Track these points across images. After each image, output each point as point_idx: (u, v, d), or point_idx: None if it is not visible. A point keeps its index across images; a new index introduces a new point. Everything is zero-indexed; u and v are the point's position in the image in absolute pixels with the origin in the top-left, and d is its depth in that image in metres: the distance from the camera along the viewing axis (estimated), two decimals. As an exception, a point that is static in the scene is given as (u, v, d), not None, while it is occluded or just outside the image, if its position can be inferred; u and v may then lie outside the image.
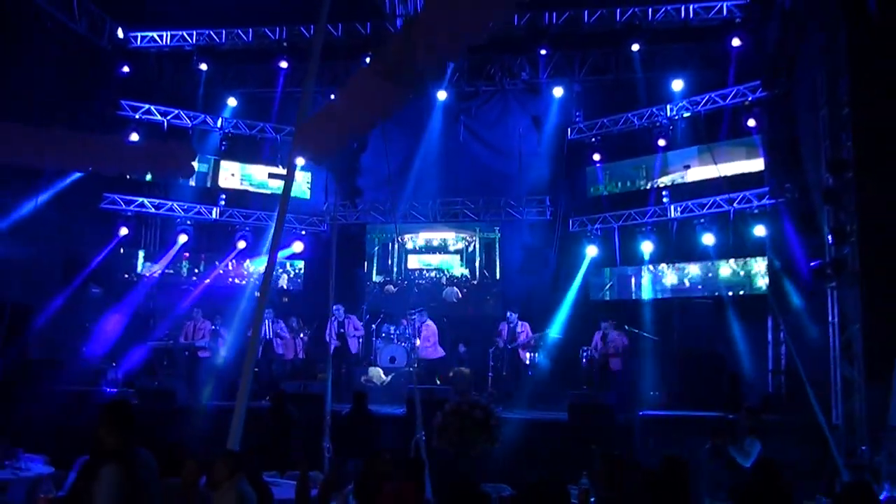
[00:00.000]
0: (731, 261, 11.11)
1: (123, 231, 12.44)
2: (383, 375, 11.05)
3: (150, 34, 12.60)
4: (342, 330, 11.07)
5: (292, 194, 6.82)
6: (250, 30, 12.47)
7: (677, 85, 11.80)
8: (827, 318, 7.89)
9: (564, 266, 12.62)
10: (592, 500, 5.18)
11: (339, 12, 10.80)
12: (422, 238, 13.83)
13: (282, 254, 12.67)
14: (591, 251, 12.34)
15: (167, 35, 12.61)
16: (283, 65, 12.49)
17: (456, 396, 7.98)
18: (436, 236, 13.79)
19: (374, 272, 13.80)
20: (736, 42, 10.86)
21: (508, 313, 11.08)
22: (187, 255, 13.18)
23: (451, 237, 13.73)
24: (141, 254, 12.99)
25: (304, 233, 13.48)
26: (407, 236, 13.79)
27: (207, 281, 12.88)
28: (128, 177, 12.27)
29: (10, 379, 9.44)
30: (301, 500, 4.57)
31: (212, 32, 12.50)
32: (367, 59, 11.28)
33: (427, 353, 11.16)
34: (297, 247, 13.21)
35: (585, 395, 9.42)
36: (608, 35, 11.75)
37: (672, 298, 11.59)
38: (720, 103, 11.35)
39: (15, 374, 9.57)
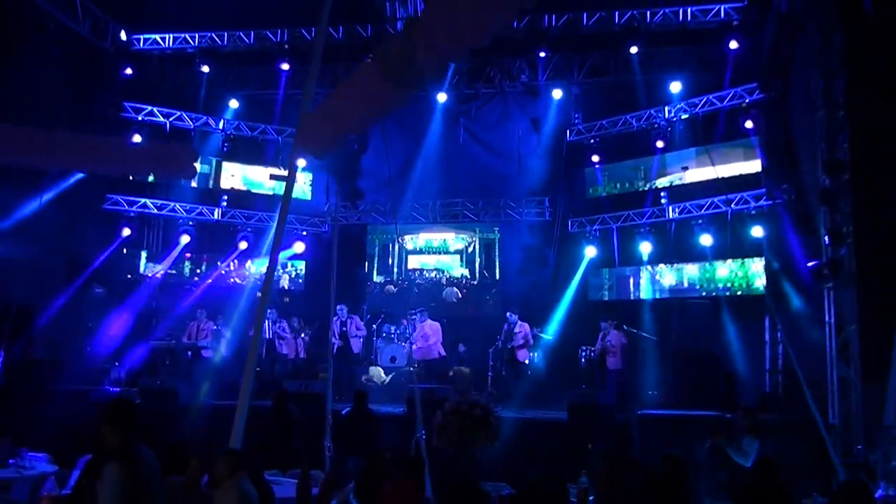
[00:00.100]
0: (729, 261, 11.17)
1: (126, 232, 12.51)
2: (384, 375, 11.12)
3: (153, 36, 12.68)
4: (344, 329, 11.13)
5: (293, 195, 6.87)
6: (252, 32, 12.53)
7: (675, 87, 11.87)
8: (824, 319, 7.95)
9: (563, 266, 12.69)
10: (591, 498, 5.21)
11: (340, 15, 10.90)
12: (422, 239, 13.90)
13: (283, 254, 12.74)
14: (590, 252, 12.41)
15: (169, 37, 12.68)
16: (285, 67, 12.55)
17: (456, 396, 8.03)
18: (436, 237, 13.86)
19: (375, 272, 13.86)
20: (733, 45, 10.93)
21: (508, 314, 11.13)
22: (189, 255, 13.26)
23: (451, 238, 13.81)
24: (144, 254, 13.06)
25: (305, 233, 13.55)
26: (407, 237, 13.86)
27: (209, 281, 12.95)
28: (130, 178, 12.34)
29: (14, 378, 9.51)
30: (302, 498, 4.58)
31: (214, 35, 12.57)
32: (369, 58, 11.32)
33: (429, 352, 11.16)
34: (299, 247, 13.27)
35: (584, 395, 9.49)
36: (607, 38, 11.83)
37: (670, 299, 11.65)
38: (718, 105, 11.42)
39: (19, 373, 9.63)
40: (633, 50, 11.58)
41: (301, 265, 13.54)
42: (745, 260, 10.98)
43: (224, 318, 11.46)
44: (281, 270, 13.20)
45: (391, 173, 11.69)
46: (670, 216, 11.80)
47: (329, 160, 13.20)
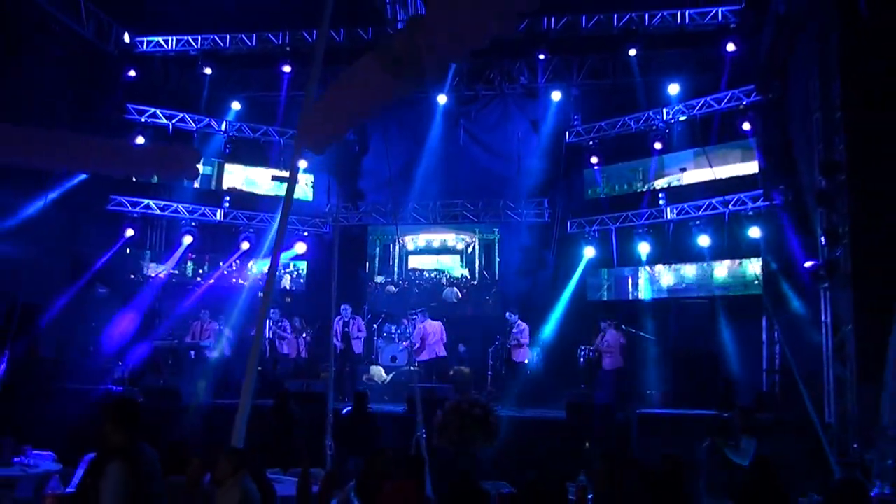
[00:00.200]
0: (727, 262, 11.23)
1: (129, 232, 12.59)
2: (384, 374, 11.20)
3: (156, 39, 12.77)
4: (346, 329, 11.18)
5: (295, 196, 6.93)
6: (254, 34, 12.62)
7: (673, 89, 11.92)
8: (820, 319, 8.00)
9: (562, 267, 12.75)
10: (590, 497, 5.25)
11: (341, 17, 10.96)
12: (422, 239, 13.97)
13: (285, 255, 12.81)
14: (589, 252, 12.47)
15: (172, 40, 12.78)
16: (287, 69, 12.62)
17: (456, 395, 8.09)
18: (436, 238, 13.92)
19: (376, 273, 13.94)
20: (731, 47, 10.98)
21: (508, 314, 11.16)
22: (192, 255, 13.34)
23: (451, 238, 13.87)
24: (147, 254, 13.15)
25: (306, 234, 13.61)
26: (408, 237, 13.93)
27: (211, 281, 13.04)
28: (134, 179, 12.42)
29: (18, 377, 9.55)
30: (302, 496, 4.62)
31: (216, 37, 12.66)
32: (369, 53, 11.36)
33: (430, 352, 11.20)
34: (300, 248, 13.33)
35: (583, 394, 9.55)
36: (606, 40, 11.89)
37: (668, 299, 11.69)
38: (715, 107, 11.48)
39: (23, 372, 9.66)
40: (632, 52, 11.64)
41: (303, 265, 13.61)
42: (743, 260, 11.02)
43: (226, 317, 11.53)
44: (283, 271, 13.28)
45: (392, 174, 11.77)
46: (668, 217, 11.86)
47: (330, 161, 13.27)
